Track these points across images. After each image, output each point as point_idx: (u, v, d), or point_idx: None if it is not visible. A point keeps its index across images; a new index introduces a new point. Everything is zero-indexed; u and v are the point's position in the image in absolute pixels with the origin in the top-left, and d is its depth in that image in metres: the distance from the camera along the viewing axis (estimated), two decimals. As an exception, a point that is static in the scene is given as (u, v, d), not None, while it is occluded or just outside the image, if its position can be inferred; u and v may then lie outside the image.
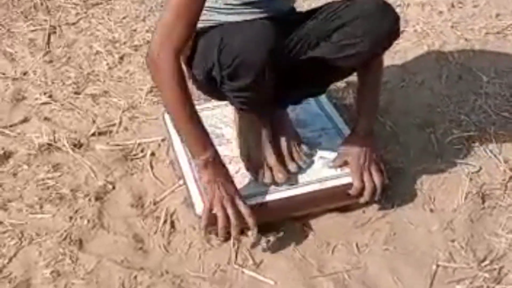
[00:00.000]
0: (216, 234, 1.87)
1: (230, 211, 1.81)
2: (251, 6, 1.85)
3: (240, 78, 1.72)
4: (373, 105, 2.05)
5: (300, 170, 1.99)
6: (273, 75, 1.75)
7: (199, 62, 1.84)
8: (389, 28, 1.82)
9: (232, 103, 1.93)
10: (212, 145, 1.82)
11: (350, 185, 1.95)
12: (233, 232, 1.83)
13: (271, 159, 1.96)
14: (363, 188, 1.94)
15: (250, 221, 1.82)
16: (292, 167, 1.98)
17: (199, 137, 1.79)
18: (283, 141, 2.00)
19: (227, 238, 1.89)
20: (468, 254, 1.86)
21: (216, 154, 1.82)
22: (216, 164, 1.81)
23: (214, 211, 1.82)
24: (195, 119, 1.78)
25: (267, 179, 1.94)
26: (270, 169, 1.95)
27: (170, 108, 1.78)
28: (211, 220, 1.82)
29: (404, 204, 2.01)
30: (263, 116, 1.96)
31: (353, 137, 2.02)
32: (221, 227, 1.82)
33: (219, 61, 1.72)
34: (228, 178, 1.84)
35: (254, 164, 1.97)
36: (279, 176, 1.94)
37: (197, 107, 2.22)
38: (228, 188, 1.82)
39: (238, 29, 1.74)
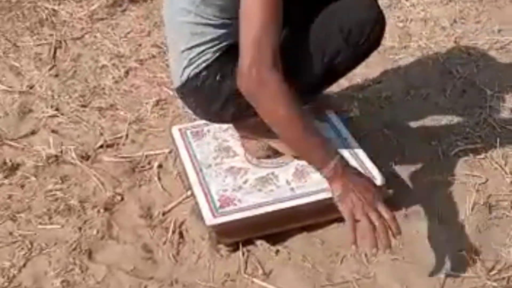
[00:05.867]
0: (225, 247, 1.89)
1: (374, 217, 1.62)
2: None
3: None
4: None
5: None
6: None
7: None
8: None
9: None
10: (336, 152, 1.70)
11: None
12: (384, 240, 1.61)
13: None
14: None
15: (394, 225, 1.64)
16: None
17: (319, 149, 1.69)
18: None
19: (235, 249, 1.90)
20: (477, 263, 1.87)
21: (342, 160, 1.69)
22: (345, 171, 1.68)
23: (357, 218, 1.64)
24: (310, 131, 1.68)
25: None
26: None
27: (281, 128, 1.67)
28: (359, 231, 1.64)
29: (412, 215, 2.02)
30: None
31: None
32: (371, 236, 1.61)
33: None
34: (363, 183, 1.69)
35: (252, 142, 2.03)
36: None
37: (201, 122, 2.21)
38: (366, 194, 1.66)
39: None
